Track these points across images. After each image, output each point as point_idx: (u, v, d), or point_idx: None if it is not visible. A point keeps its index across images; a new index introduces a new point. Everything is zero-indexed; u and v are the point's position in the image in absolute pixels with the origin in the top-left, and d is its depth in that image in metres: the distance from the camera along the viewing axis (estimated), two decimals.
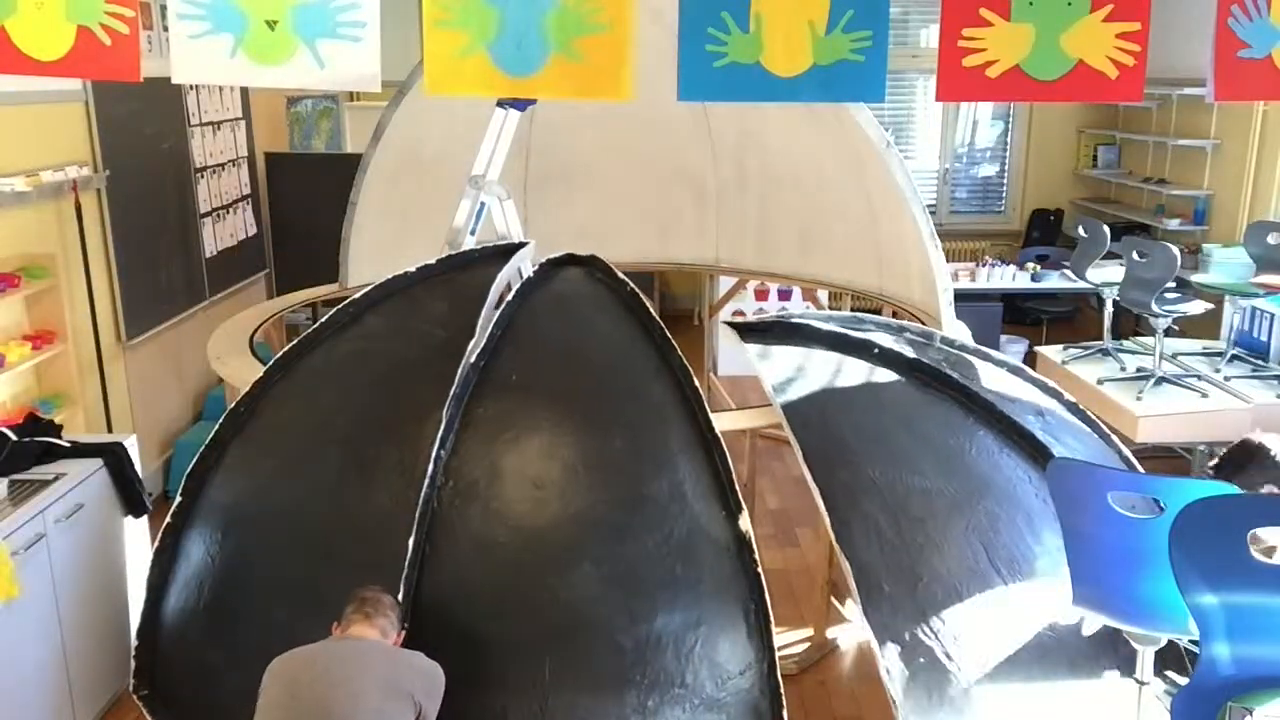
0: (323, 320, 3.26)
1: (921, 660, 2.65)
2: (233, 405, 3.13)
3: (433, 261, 3.41)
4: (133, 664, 3.01)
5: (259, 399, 3.14)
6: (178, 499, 3.05)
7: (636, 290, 3.19)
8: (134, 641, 3.03)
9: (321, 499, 2.84)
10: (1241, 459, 3.10)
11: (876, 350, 3.43)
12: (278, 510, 2.89)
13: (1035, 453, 3.19)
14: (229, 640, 2.85)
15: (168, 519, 3.05)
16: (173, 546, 3.06)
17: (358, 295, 3.30)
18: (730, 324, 3.76)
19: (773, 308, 7.16)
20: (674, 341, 3.07)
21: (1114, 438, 3.61)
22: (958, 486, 3.04)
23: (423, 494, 2.67)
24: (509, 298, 3.15)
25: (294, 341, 3.21)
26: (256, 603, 2.82)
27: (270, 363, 3.19)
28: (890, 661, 2.61)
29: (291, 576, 2.77)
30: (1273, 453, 3.09)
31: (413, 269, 3.36)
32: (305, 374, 3.17)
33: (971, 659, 2.72)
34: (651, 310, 3.15)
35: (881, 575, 2.76)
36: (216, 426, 3.09)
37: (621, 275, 3.26)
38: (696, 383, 2.96)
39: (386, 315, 3.28)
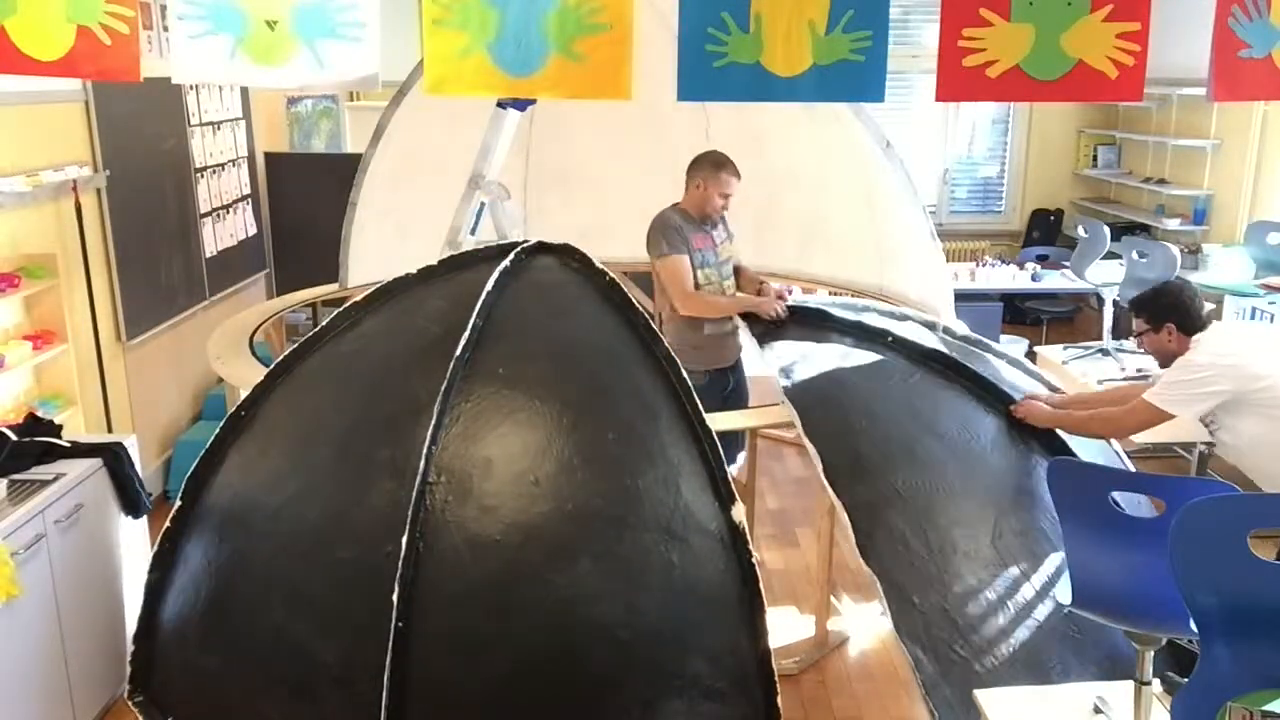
0: (324, 323, 3.25)
1: (957, 672, 2.63)
2: (233, 409, 3.13)
3: (435, 263, 3.41)
4: (128, 669, 2.97)
5: (259, 402, 3.13)
6: (177, 502, 3.03)
7: (615, 279, 3.12)
8: (129, 646, 2.98)
9: (317, 501, 2.83)
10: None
11: (890, 339, 3.41)
12: (274, 513, 2.88)
13: (1048, 450, 3.19)
14: (226, 645, 2.83)
15: (167, 523, 3.02)
16: (171, 550, 3.02)
17: (359, 298, 3.29)
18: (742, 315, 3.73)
19: None
20: (658, 331, 3.03)
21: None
22: (982, 491, 3.02)
23: (414, 492, 2.67)
24: (487, 287, 3.10)
25: (295, 344, 3.21)
26: (253, 606, 2.81)
27: (272, 365, 3.19)
28: (927, 676, 2.59)
29: (288, 580, 2.76)
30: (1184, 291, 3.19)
31: (414, 270, 3.36)
32: (304, 376, 3.17)
33: (1003, 666, 2.71)
34: (633, 299, 3.11)
35: (910, 588, 2.72)
36: (217, 430, 3.09)
37: (599, 264, 3.18)
38: (684, 373, 2.92)
39: (386, 316, 3.27)
